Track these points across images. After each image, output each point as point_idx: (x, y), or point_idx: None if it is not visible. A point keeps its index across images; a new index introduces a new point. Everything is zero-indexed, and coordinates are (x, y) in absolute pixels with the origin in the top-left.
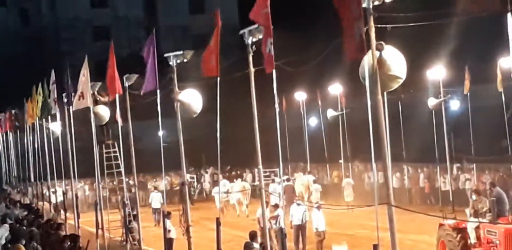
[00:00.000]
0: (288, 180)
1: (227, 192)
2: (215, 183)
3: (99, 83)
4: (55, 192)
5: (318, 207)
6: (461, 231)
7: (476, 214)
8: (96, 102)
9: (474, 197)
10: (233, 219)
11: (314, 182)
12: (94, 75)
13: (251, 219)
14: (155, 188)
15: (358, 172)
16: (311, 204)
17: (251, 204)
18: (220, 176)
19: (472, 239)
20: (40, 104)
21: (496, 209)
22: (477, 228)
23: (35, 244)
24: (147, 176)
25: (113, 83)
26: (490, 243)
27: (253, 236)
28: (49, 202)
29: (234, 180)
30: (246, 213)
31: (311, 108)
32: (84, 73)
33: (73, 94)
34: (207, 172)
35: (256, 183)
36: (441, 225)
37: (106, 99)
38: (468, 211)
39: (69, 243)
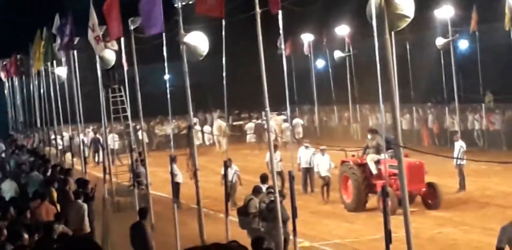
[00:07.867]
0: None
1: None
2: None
3: (104, 27)
4: (62, 137)
5: (323, 151)
6: (363, 166)
7: (377, 150)
8: (105, 46)
9: (369, 136)
10: (242, 163)
11: (285, 121)
12: (99, 20)
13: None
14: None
15: (366, 113)
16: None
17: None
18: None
19: (374, 171)
20: (44, 49)
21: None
22: (377, 162)
23: None
24: (153, 120)
25: (113, 26)
26: (391, 175)
27: (264, 178)
28: (56, 147)
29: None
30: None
31: (318, 50)
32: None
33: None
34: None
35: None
36: (343, 161)
37: (115, 48)
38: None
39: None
